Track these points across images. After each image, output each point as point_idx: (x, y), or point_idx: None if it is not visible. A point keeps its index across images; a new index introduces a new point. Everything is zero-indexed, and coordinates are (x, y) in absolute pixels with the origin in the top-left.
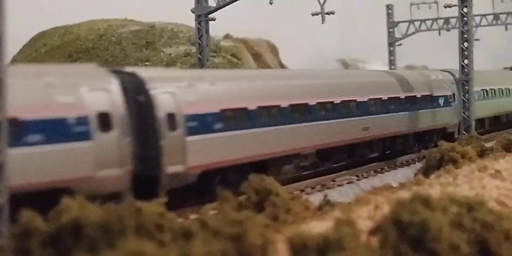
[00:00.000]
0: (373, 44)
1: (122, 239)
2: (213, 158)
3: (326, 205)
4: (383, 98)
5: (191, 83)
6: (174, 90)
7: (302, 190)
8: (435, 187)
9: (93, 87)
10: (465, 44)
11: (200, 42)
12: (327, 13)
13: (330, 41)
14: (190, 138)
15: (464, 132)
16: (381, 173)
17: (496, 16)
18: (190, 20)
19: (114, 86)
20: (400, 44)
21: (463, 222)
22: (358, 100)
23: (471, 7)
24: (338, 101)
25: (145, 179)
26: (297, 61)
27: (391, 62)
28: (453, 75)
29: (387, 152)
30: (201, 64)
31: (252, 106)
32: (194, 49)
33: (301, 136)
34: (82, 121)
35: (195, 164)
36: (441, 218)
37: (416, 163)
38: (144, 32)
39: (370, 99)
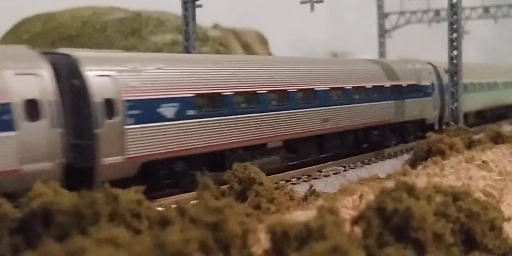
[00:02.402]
0: (363, 36)
1: (95, 227)
2: (470, 107)
3: (312, 195)
4: None
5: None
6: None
7: (287, 181)
8: (422, 178)
9: (429, 71)
10: (454, 35)
11: (186, 29)
12: (316, 2)
13: (320, 32)
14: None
15: (452, 124)
16: (368, 164)
17: (485, 9)
18: (177, 9)
19: (432, 70)
20: (391, 36)
21: (448, 211)
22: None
23: None
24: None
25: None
26: (287, 52)
27: (381, 54)
28: None
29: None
30: (187, 52)
31: (482, 81)
32: (181, 37)
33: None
34: (432, 87)
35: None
36: (425, 206)
37: (404, 154)
38: (130, 20)
39: None
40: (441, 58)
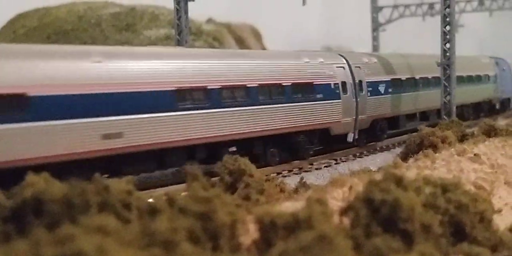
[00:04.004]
0: (357, 30)
1: (85, 216)
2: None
3: (302, 187)
4: None
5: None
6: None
7: (279, 173)
8: (412, 170)
9: (493, 63)
10: (447, 27)
11: (178, 23)
12: None
13: (313, 26)
14: None
15: (445, 117)
16: (360, 157)
17: (480, 2)
18: (171, 3)
19: (494, 63)
20: (384, 30)
21: (437, 203)
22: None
23: None
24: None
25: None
26: (281, 47)
27: (375, 48)
28: None
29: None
30: (179, 45)
31: None
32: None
33: None
34: (495, 77)
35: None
36: (413, 197)
37: (396, 148)
38: (124, 15)
39: None
40: (433, 52)
